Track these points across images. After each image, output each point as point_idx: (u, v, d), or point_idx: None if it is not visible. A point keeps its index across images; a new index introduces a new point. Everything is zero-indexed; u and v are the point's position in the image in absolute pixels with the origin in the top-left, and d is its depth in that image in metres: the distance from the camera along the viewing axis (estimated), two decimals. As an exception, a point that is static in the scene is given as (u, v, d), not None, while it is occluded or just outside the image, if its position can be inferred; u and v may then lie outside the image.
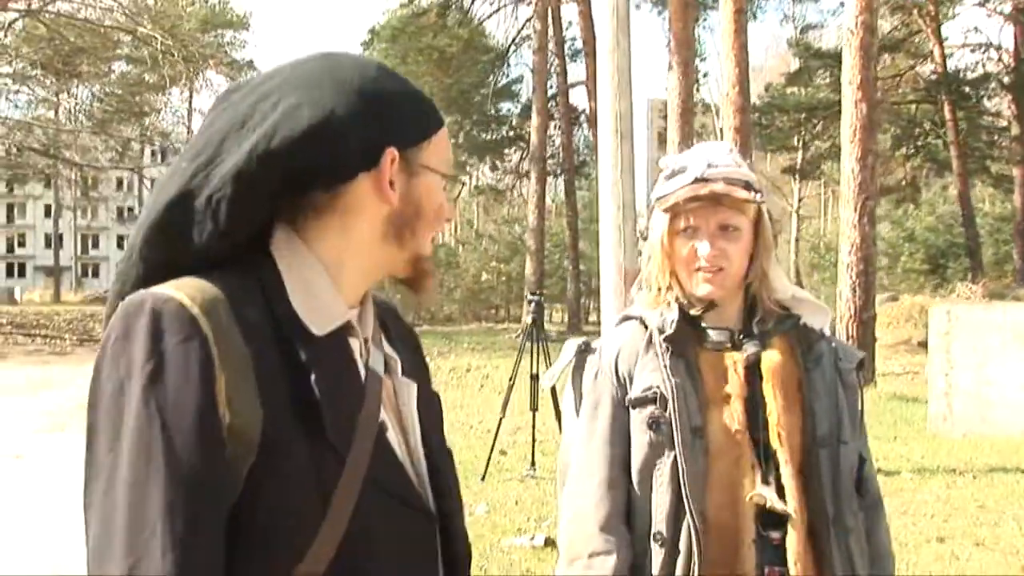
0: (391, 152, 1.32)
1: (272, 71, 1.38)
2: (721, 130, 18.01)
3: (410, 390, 1.43)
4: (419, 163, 1.36)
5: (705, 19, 32.69)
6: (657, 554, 2.02)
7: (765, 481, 1.99)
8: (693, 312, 2.11)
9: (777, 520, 1.99)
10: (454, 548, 1.44)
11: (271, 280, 1.30)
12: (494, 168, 40.12)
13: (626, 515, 2.07)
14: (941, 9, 31.65)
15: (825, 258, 39.60)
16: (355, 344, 1.36)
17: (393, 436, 1.36)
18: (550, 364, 9.55)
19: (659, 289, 2.16)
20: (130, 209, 64.65)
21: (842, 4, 14.19)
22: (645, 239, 2.21)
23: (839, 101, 32.59)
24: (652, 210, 2.19)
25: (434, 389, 1.56)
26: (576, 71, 31.85)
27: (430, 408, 1.49)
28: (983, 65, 33.19)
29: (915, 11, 31.79)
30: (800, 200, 43.55)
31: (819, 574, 2.02)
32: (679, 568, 2.00)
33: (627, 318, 2.22)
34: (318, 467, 1.23)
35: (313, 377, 1.24)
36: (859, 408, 2.14)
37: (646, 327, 2.13)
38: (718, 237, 2.07)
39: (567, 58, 31.98)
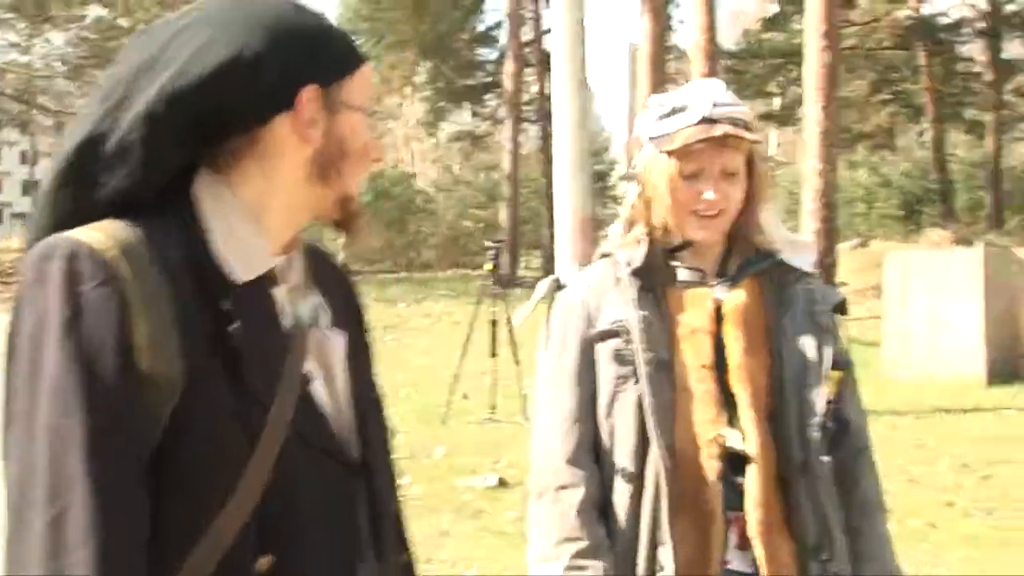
0: (309, 90, 1.29)
1: (188, 8, 1.34)
2: (690, 77, 18.04)
3: (337, 341, 1.39)
4: (340, 100, 1.32)
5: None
6: (623, 489, 2.00)
7: (731, 423, 1.97)
8: (672, 245, 2.08)
9: (743, 463, 1.97)
10: (379, 503, 1.41)
11: (193, 225, 1.26)
12: (474, 115, 40.01)
13: (593, 449, 2.05)
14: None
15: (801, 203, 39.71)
16: (280, 292, 1.33)
17: (318, 387, 1.33)
18: (508, 310, 9.74)
19: (632, 225, 2.13)
20: None
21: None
22: (632, 179, 2.15)
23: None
24: (640, 148, 2.12)
25: (366, 338, 1.53)
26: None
27: (359, 358, 1.45)
28: (956, 10, 33.15)
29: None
30: (778, 145, 43.61)
31: (787, 521, 1.99)
32: (646, 503, 1.98)
33: (602, 255, 2.18)
34: (241, 414, 1.21)
35: (234, 325, 1.22)
36: (837, 350, 2.07)
37: (617, 262, 2.10)
38: (721, 180, 2.02)
39: (543, 3, 31.87)
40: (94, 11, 42.97)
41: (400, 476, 1.53)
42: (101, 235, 1.20)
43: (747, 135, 2.02)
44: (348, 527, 1.35)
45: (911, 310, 11.23)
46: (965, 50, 33.92)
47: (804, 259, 2.12)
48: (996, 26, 31.34)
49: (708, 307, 2.02)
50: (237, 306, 1.24)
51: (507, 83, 26.69)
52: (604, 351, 2.05)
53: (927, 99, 31.21)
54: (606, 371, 2.04)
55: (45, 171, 1.32)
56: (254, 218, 1.30)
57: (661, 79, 18.09)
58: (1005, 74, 32.02)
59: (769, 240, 2.10)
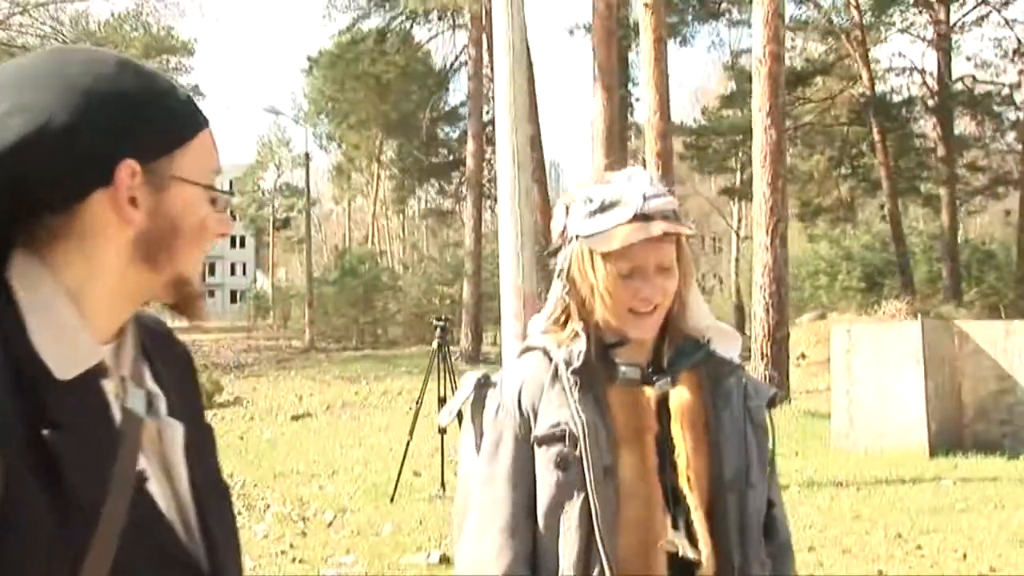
0: (128, 165, 1.16)
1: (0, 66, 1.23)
2: (644, 155, 18.44)
3: (175, 432, 1.27)
4: (169, 174, 1.20)
5: (637, 45, 33.33)
6: None
7: (675, 526, 1.88)
8: (607, 342, 1.98)
9: (687, 568, 1.88)
10: None
11: (7, 315, 1.13)
12: (441, 192, 40.45)
13: (530, 562, 1.93)
14: (868, 34, 32.42)
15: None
16: (109, 385, 1.20)
17: (155, 486, 1.22)
18: (455, 388, 9.83)
19: (564, 320, 2.03)
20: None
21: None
22: (560, 274, 2.03)
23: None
24: (571, 243, 2.00)
25: (206, 421, 1.42)
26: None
27: (201, 446, 1.34)
28: (907, 88, 34.05)
29: (843, 36, 32.55)
30: (740, 221, 44.22)
31: None
32: None
33: (529, 349, 2.05)
34: (65, 531, 1.09)
35: (52, 430, 1.10)
36: (769, 448, 2.01)
37: (550, 359, 1.98)
38: (657, 276, 1.93)
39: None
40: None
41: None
42: None
43: (683, 230, 1.94)
44: None
45: (857, 382, 11.41)
46: (918, 126, 34.68)
47: (732, 349, 2.05)
48: (946, 103, 32.15)
49: (651, 407, 1.93)
50: (59, 405, 1.12)
51: (470, 161, 27.05)
52: (544, 456, 1.92)
53: (882, 173, 31.80)
54: (546, 477, 1.92)
55: None
56: (78, 306, 1.17)
57: (617, 156, 18.48)
58: (957, 149, 32.79)
59: (697, 327, 2.03)
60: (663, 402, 1.94)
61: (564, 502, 1.89)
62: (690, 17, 34.89)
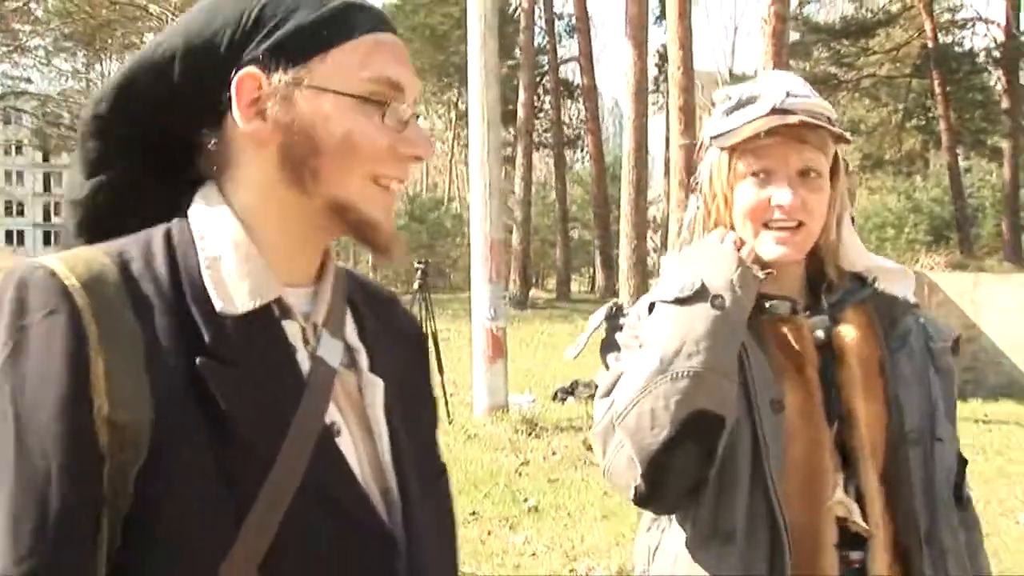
0: (249, 76, 1.09)
1: None
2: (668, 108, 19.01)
3: (376, 389, 1.18)
4: (305, 84, 1.09)
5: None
6: (727, 553, 1.66)
7: (845, 486, 1.67)
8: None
9: (857, 538, 1.66)
10: None
11: (183, 246, 1.10)
12: (513, 140, 41.31)
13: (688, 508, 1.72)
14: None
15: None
16: (293, 328, 1.13)
17: (347, 443, 1.13)
18: (435, 325, 10.69)
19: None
20: None
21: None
22: (694, 190, 1.84)
23: (834, 75, 33.27)
24: (705, 151, 1.80)
25: (430, 394, 1.35)
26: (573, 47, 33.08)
27: (416, 415, 1.25)
28: (971, 39, 33.71)
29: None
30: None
31: None
32: (761, 571, 1.64)
33: None
34: (229, 473, 1.02)
35: (210, 361, 1.04)
36: (954, 396, 1.79)
37: None
38: (799, 184, 1.68)
39: (564, 35, 33.16)
40: (149, 39, 44.77)
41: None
42: (66, 259, 1.04)
43: (830, 128, 1.69)
44: None
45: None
46: (982, 79, 34.28)
47: (904, 287, 1.78)
48: (1012, 54, 31.75)
49: (808, 336, 1.70)
50: (223, 339, 1.06)
51: (520, 111, 27.79)
52: None
53: (943, 127, 31.66)
54: None
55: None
56: (251, 235, 1.11)
57: (643, 111, 19.12)
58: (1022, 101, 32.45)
59: (855, 263, 1.78)
60: (824, 345, 1.71)
61: (728, 437, 1.64)
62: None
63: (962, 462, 1.79)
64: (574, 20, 31.33)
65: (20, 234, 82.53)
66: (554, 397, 11.39)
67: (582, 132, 33.93)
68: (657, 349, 1.63)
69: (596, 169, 29.27)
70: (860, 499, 1.66)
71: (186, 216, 1.13)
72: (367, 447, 1.16)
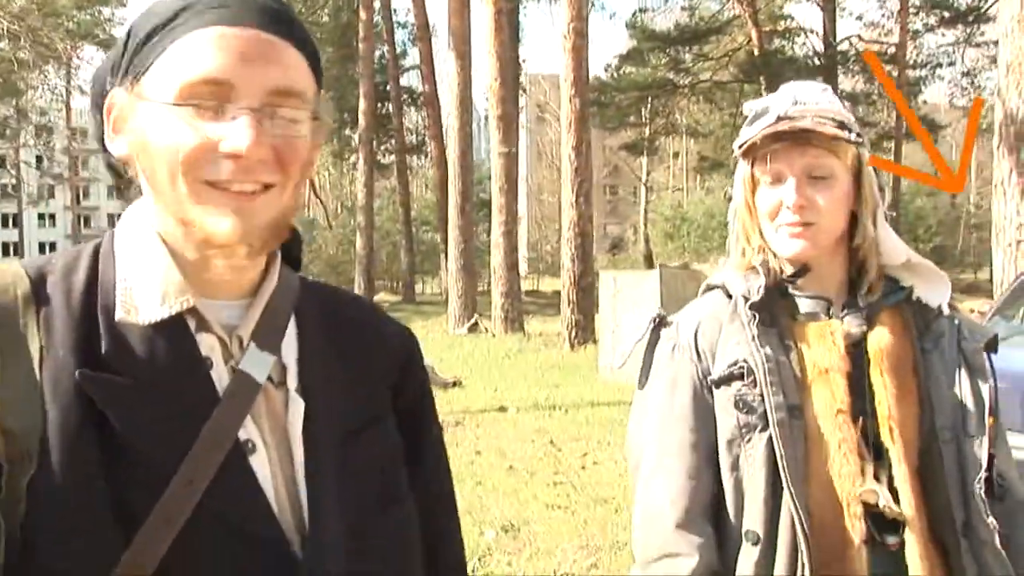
0: (113, 95, 1.09)
1: None
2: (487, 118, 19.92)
3: (297, 408, 1.13)
4: (136, 96, 1.06)
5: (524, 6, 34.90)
6: (749, 555, 1.72)
7: (876, 478, 1.71)
8: (785, 276, 1.81)
9: (892, 524, 1.71)
10: None
11: (107, 259, 1.10)
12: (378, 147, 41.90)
13: (711, 511, 1.78)
14: (757, -5, 33.90)
15: (680, 228, 42.25)
16: (209, 340, 1.09)
17: (262, 460, 1.08)
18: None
19: (743, 252, 1.87)
20: (14, 187, 64.47)
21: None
22: (730, 198, 1.93)
23: (670, 80, 34.71)
24: (735, 164, 1.90)
25: (390, 430, 1.24)
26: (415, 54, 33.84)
27: (361, 437, 1.18)
28: (793, 48, 35.66)
29: (734, -3, 34.03)
30: (649, 174, 45.93)
31: None
32: (779, 571, 1.70)
33: (709, 288, 1.92)
34: (117, 487, 0.98)
35: (106, 376, 1.01)
36: (991, 395, 1.81)
37: (730, 296, 1.84)
38: (805, 184, 1.76)
39: (407, 43, 33.85)
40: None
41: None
42: None
43: (829, 129, 1.74)
44: None
45: (620, 322, 13.10)
46: (804, 84, 36.26)
47: (940, 294, 1.83)
48: (832, 62, 33.77)
49: (839, 343, 1.76)
50: (123, 354, 1.03)
51: (361, 120, 28.43)
52: (723, 397, 1.78)
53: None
54: (726, 421, 1.76)
55: None
56: (168, 248, 1.09)
57: (467, 120, 20.00)
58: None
59: (894, 257, 1.84)
60: (857, 344, 1.77)
61: (745, 446, 1.74)
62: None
63: (991, 457, 1.78)
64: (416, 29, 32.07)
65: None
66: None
67: (424, 139, 34.72)
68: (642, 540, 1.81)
69: (439, 174, 30.02)
70: (893, 492, 1.70)
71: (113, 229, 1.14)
72: (285, 467, 1.11)
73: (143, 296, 1.06)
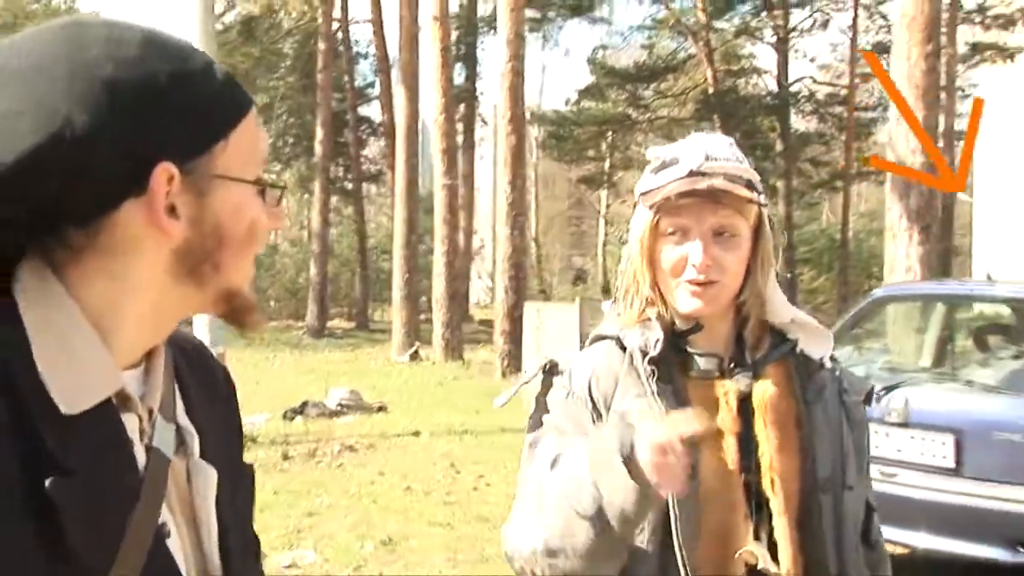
0: (164, 168, 0.96)
1: None
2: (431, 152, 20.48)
3: (207, 478, 1.08)
4: (212, 174, 1.00)
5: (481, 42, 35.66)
6: None
7: (756, 535, 1.74)
8: (678, 330, 1.81)
9: None
10: None
11: (11, 337, 0.94)
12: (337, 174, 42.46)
13: None
14: (712, 35, 34.69)
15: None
16: (132, 421, 1.01)
17: (176, 543, 1.04)
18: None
19: (633, 303, 1.85)
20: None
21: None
22: (625, 242, 1.89)
23: (629, 116, 35.39)
24: (635, 207, 1.87)
25: (245, 462, 1.23)
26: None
27: (236, 492, 1.16)
28: (747, 87, 36.51)
29: (691, 36, 34.81)
30: (608, 207, 46.67)
31: None
32: None
33: (600, 337, 1.90)
34: None
35: (56, 478, 0.91)
36: (866, 446, 1.89)
37: (624, 348, 1.82)
38: (712, 243, 1.75)
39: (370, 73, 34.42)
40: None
41: None
42: None
43: (742, 191, 1.75)
44: None
45: (543, 353, 13.61)
46: (757, 123, 37.14)
47: (821, 348, 1.87)
48: (785, 102, 34.60)
49: (732, 403, 1.77)
50: (65, 447, 0.93)
51: (318, 148, 28.96)
52: None
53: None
54: None
55: None
56: (101, 327, 0.98)
57: (413, 152, 20.54)
58: (799, 145, 35.35)
59: (779, 316, 1.86)
60: (745, 399, 1.78)
61: None
62: (553, 14, 36.96)
63: (869, 508, 1.87)
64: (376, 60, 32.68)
65: None
66: (284, 416, 12.43)
67: (383, 168, 35.28)
68: (543, 527, 1.68)
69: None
70: (773, 546, 1.72)
71: (5, 300, 0.96)
72: (193, 544, 1.07)
73: (73, 382, 0.95)
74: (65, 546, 0.91)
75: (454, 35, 28.56)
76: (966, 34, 27.80)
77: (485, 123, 40.79)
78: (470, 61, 37.23)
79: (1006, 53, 25.39)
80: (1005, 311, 6.81)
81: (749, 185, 1.77)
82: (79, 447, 0.94)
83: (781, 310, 1.85)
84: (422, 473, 9.21)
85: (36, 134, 0.91)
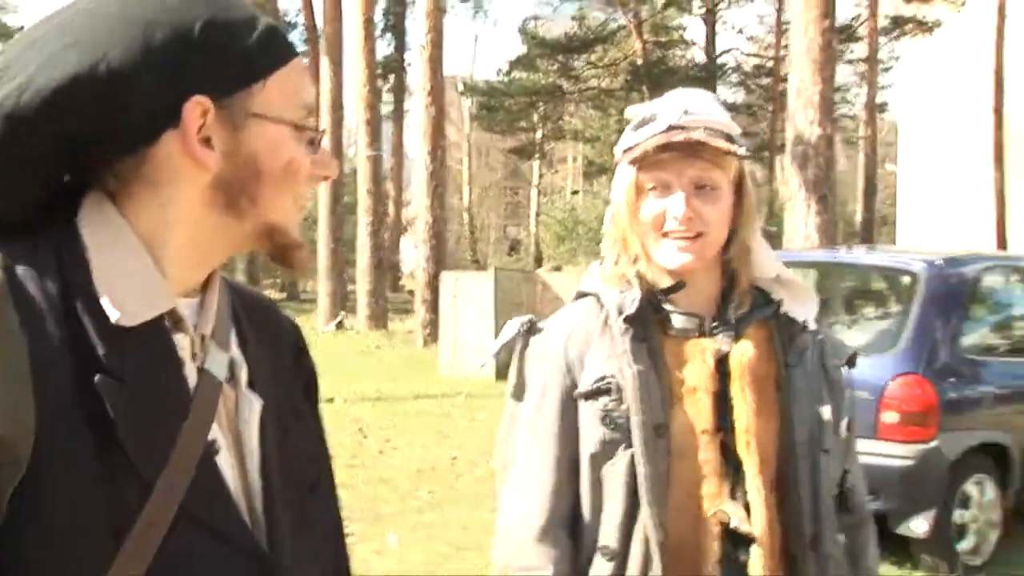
0: (197, 102, 1.03)
1: (62, 8, 1.08)
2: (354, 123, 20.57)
3: (252, 406, 1.14)
4: (249, 111, 1.06)
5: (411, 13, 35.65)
6: (602, 568, 1.75)
7: (732, 495, 1.74)
8: (661, 288, 1.79)
9: (745, 540, 1.73)
10: None
11: (73, 256, 1.02)
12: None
13: (570, 523, 1.79)
14: (642, 6, 35.00)
15: (573, 231, 43.31)
16: (184, 342, 1.07)
17: (225, 460, 1.08)
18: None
19: (619, 260, 1.83)
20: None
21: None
22: (609, 204, 1.88)
23: (560, 86, 35.60)
24: (617, 165, 1.85)
25: (310, 408, 1.29)
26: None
27: (289, 432, 1.19)
28: (675, 58, 36.92)
29: (620, 7, 35.08)
30: (541, 177, 46.97)
31: None
32: None
33: (581, 295, 1.89)
34: (111, 492, 0.97)
35: (105, 378, 0.97)
36: (847, 411, 1.88)
37: (602, 306, 1.81)
38: (693, 196, 1.74)
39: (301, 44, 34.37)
40: None
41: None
42: None
43: (720, 143, 1.74)
44: None
45: (460, 321, 13.87)
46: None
47: (806, 309, 1.86)
48: (712, 73, 35.09)
49: (709, 362, 1.76)
50: (117, 354, 0.99)
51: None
52: (589, 411, 1.77)
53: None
54: (591, 434, 1.76)
55: None
56: (152, 252, 1.06)
57: (339, 122, 20.60)
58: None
59: (764, 277, 1.85)
60: (724, 359, 1.77)
61: (607, 461, 1.75)
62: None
63: (846, 472, 1.86)
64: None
65: None
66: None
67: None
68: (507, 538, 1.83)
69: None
70: (748, 506, 1.72)
71: (70, 225, 1.04)
72: (239, 464, 1.11)
73: (128, 298, 1.02)
74: (113, 444, 0.97)
75: (383, 5, 28.63)
76: (887, 7, 28.40)
77: (412, 94, 40.88)
78: (398, 32, 37.33)
79: (925, 27, 26.03)
80: (875, 277, 7.16)
81: (728, 139, 1.76)
82: (131, 359, 1.00)
83: (768, 264, 1.84)
84: (330, 438, 9.40)
85: (76, 66, 0.99)
